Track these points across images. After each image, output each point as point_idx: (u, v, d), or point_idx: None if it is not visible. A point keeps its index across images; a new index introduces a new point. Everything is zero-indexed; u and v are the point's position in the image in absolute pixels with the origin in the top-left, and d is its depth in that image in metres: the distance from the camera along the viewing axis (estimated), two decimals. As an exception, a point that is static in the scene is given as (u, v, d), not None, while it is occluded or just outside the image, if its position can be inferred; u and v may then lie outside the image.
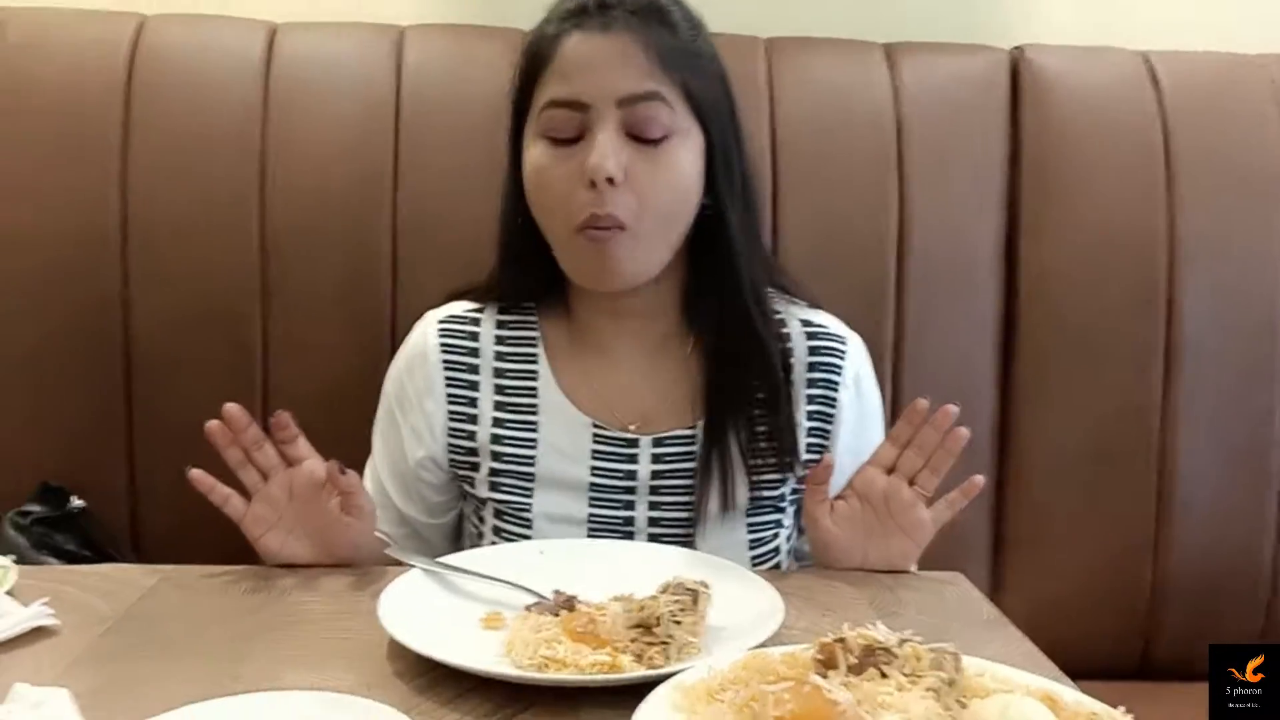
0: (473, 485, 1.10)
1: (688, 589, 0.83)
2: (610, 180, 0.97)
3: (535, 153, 1.01)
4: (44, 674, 0.75)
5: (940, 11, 1.58)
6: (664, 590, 0.83)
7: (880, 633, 0.70)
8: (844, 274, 1.41)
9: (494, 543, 1.08)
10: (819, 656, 0.70)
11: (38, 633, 0.81)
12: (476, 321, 1.11)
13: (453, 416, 1.09)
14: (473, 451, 1.09)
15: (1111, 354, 1.43)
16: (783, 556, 1.12)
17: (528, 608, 0.85)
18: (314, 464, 0.98)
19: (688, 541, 1.06)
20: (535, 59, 1.02)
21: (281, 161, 1.38)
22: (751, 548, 1.09)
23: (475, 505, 1.12)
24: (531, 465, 1.07)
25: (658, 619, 0.79)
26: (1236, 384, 1.44)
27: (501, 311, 1.11)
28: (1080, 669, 1.40)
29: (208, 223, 1.37)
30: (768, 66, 1.47)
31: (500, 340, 1.10)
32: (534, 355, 1.09)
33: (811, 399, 1.09)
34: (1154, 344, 1.43)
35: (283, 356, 1.38)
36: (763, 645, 0.78)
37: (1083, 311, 1.43)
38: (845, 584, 0.98)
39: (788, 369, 1.08)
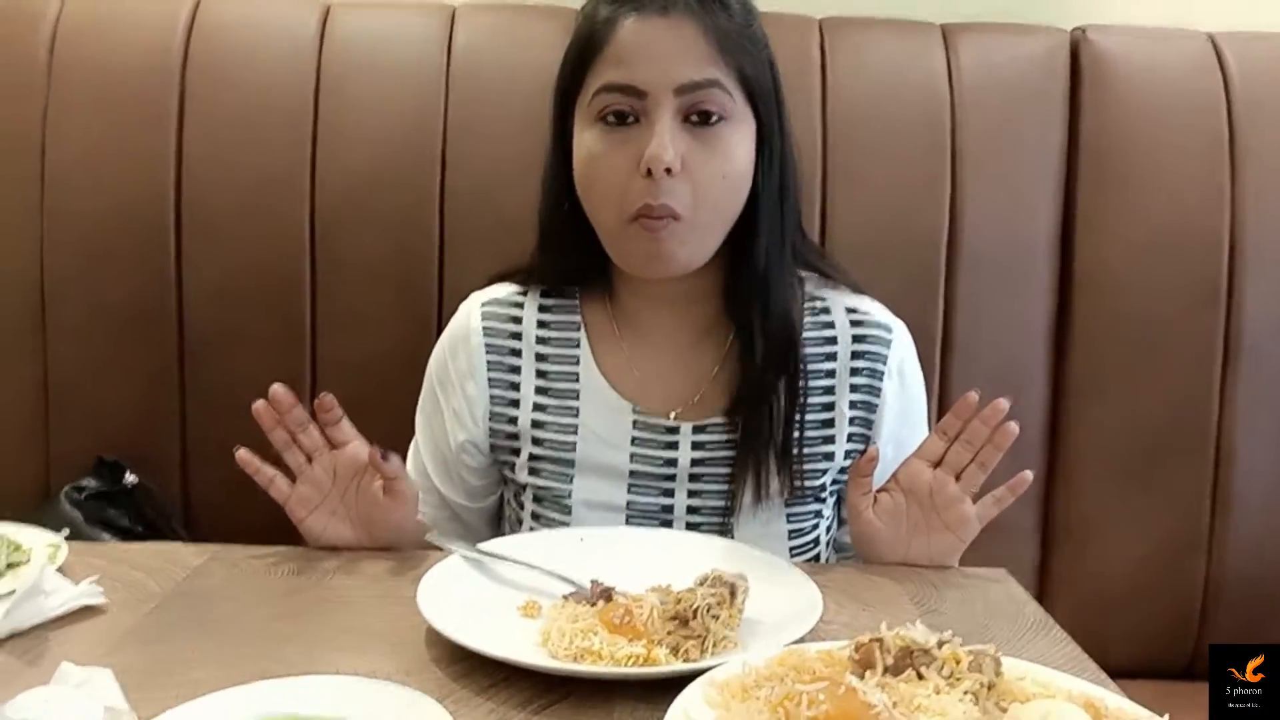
0: (513, 470, 1.10)
1: (725, 582, 0.82)
2: (668, 171, 0.96)
3: (588, 138, 1.00)
4: (92, 651, 0.77)
5: (1000, -10, 1.54)
6: (701, 583, 0.82)
7: (919, 633, 0.69)
8: (894, 260, 1.39)
9: (533, 528, 1.08)
10: (855, 656, 0.70)
11: (87, 610, 0.83)
12: (519, 305, 1.11)
13: (494, 400, 1.09)
14: (513, 436, 1.09)
15: (1168, 350, 1.40)
16: (822, 548, 1.11)
17: (565, 597, 0.86)
18: (358, 447, 0.98)
19: (725, 530, 1.06)
20: (589, 41, 1.00)
21: (332, 139, 1.40)
22: (791, 538, 1.08)
23: (515, 490, 1.12)
24: (572, 451, 1.07)
25: (694, 612, 0.79)
26: (1298, 380, 1.40)
27: (544, 295, 1.11)
28: (1128, 667, 1.41)
29: (260, 199, 1.39)
30: (821, 47, 1.44)
31: (543, 324, 1.10)
32: (576, 340, 1.09)
33: (855, 388, 1.08)
34: (1213, 341, 1.39)
35: (332, 331, 1.40)
36: (799, 641, 0.78)
37: (1140, 306, 1.40)
38: (887, 579, 0.97)
39: (832, 356, 1.07)
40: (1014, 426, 0.97)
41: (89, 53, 1.40)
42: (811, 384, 1.06)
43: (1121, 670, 1.36)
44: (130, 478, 1.34)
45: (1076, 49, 1.45)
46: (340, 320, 1.39)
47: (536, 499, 1.09)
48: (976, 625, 0.87)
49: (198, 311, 1.39)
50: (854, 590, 0.93)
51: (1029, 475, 0.98)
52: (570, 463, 1.07)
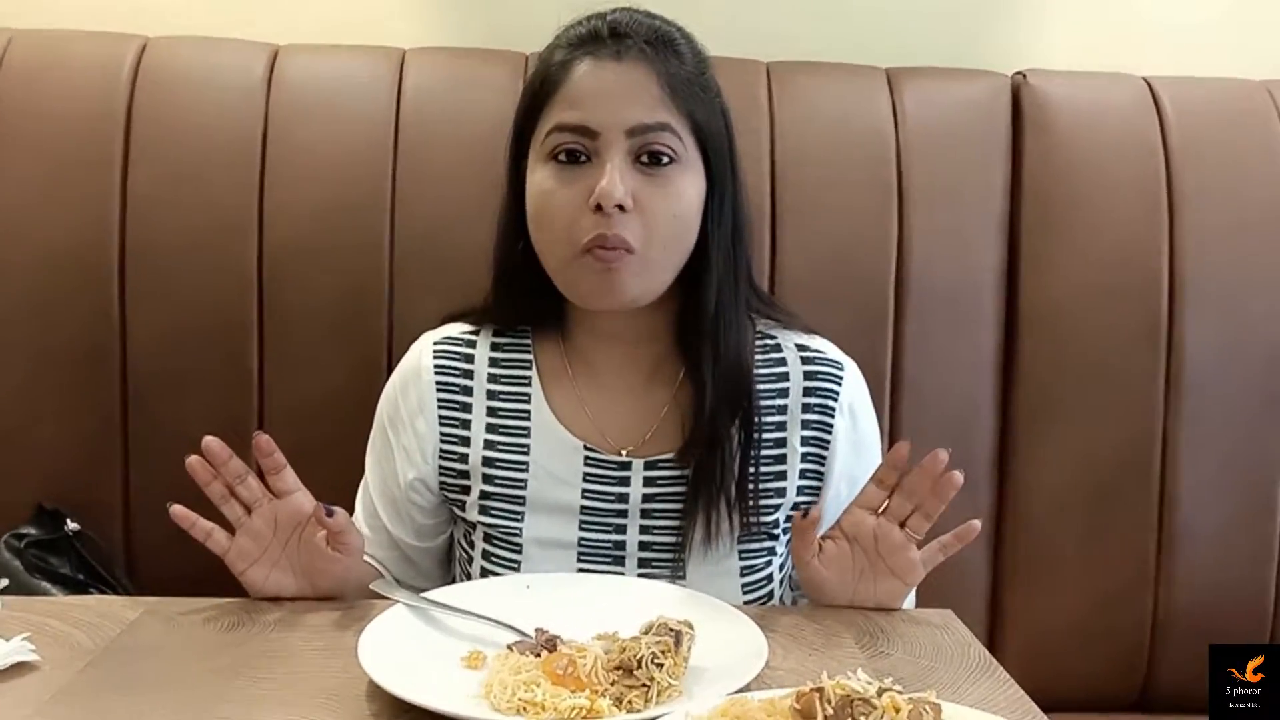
0: (463, 509, 1.10)
1: (670, 630, 0.82)
2: (620, 207, 0.97)
3: (540, 175, 1.02)
4: (24, 709, 0.75)
5: (943, 36, 1.57)
6: (647, 630, 0.82)
7: (858, 683, 0.69)
8: (842, 301, 1.40)
9: (484, 567, 1.08)
10: (796, 706, 0.69)
11: (18, 667, 0.81)
12: (471, 344, 1.11)
13: (445, 438, 1.09)
14: (464, 474, 1.08)
15: (1113, 387, 1.42)
16: (775, 585, 1.11)
17: (509, 646, 0.85)
18: (300, 498, 0.97)
19: (677, 567, 1.05)
20: (544, 84, 1.02)
21: (281, 183, 1.39)
22: (743, 574, 1.08)
23: (465, 530, 1.12)
24: (523, 488, 1.07)
25: (639, 661, 0.79)
26: (1239, 416, 1.42)
27: (496, 334, 1.12)
28: (1080, 701, 1.43)
29: (207, 243, 1.37)
30: (769, 90, 1.46)
31: (495, 363, 1.10)
32: (527, 378, 1.09)
33: (807, 424, 1.08)
34: (1156, 375, 1.41)
35: (280, 375, 1.39)
36: (744, 689, 0.77)
37: (1084, 344, 1.42)
38: (835, 622, 0.97)
39: (784, 393, 1.08)
40: (958, 477, 0.97)
41: (33, 95, 1.38)
42: (764, 420, 1.07)
43: (1072, 704, 1.40)
44: (71, 525, 1.31)
45: (1018, 93, 1.48)
46: (288, 364, 1.38)
47: (487, 538, 1.08)
48: (921, 669, 0.87)
49: (142, 356, 1.37)
50: (801, 634, 0.93)
51: (977, 525, 0.99)
52: (521, 499, 1.07)
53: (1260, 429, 1.43)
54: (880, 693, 0.69)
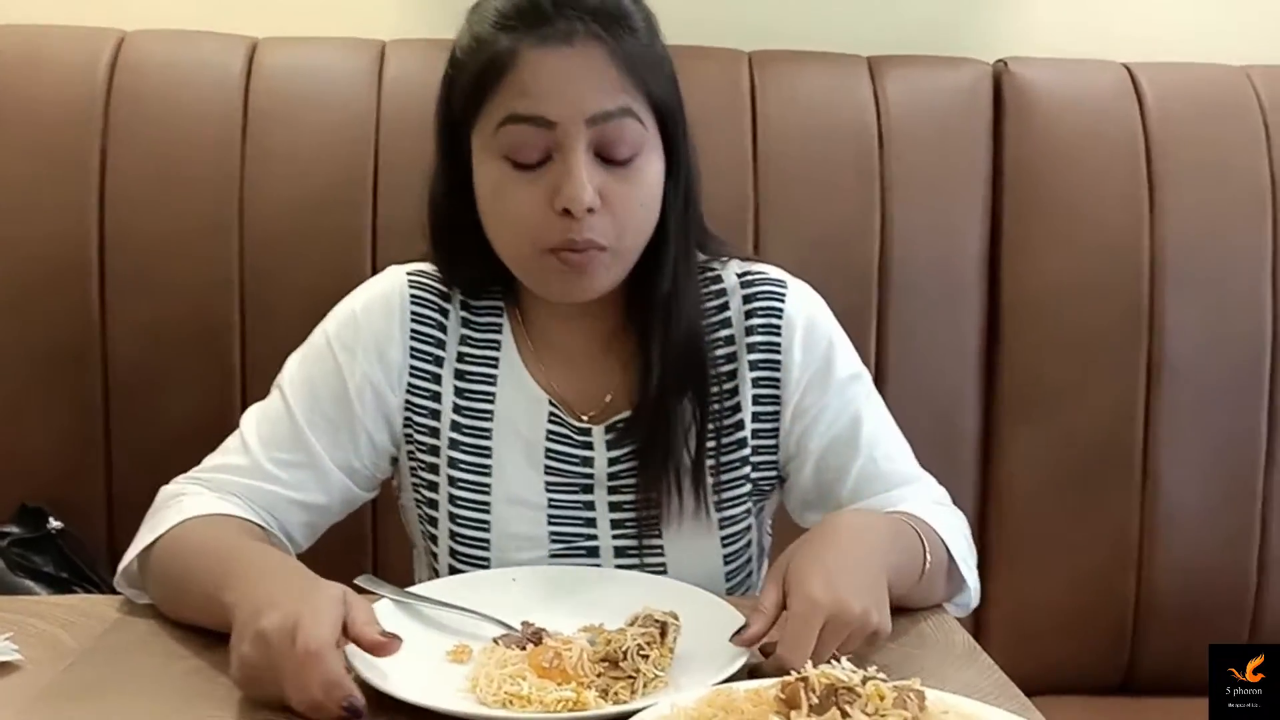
0: (432, 454, 1.04)
1: (656, 621, 0.82)
2: (589, 210, 0.93)
3: (493, 172, 0.96)
4: (5, 711, 0.75)
5: (924, 24, 1.58)
6: (632, 622, 0.82)
7: (843, 671, 0.69)
8: (826, 289, 1.35)
9: (452, 530, 1.04)
10: (782, 695, 0.70)
11: (1, 668, 0.81)
12: (446, 295, 1.06)
13: (415, 372, 1.03)
14: (434, 414, 1.03)
15: (1096, 372, 1.43)
16: (754, 540, 1.09)
17: (495, 640, 0.85)
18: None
19: (651, 530, 1.03)
20: (487, 70, 0.95)
21: (261, 176, 1.38)
22: (723, 529, 1.05)
23: (421, 501, 1.06)
24: (488, 438, 1.03)
25: (624, 653, 0.79)
26: (1222, 399, 1.44)
27: (464, 290, 1.07)
28: (1065, 684, 1.44)
29: (187, 239, 1.37)
30: (751, 80, 1.46)
31: (467, 307, 1.06)
32: (499, 325, 1.06)
33: (752, 348, 1.04)
34: (1138, 362, 1.42)
35: (263, 372, 1.35)
36: (731, 678, 0.77)
37: (1067, 328, 1.43)
38: (820, 610, 0.97)
39: (726, 323, 1.04)
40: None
41: (9, 90, 1.37)
42: (717, 371, 1.03)
43: (1057, 688, 1.40)
44: (54, 523, 1.31)
45: (999, 80, 1.48)
46: (271, 360, 1.34)
47: (453, 500, 1.04)
48: (907, 656, 0.88)
49: (123, 354, 1.36)
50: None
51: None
52: (488, 450, 1.03)
53: (1242, 413, 1.44)
54: (864, 681, 0.69)
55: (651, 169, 0.98)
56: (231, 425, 1.35)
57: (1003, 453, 1.44)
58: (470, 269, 1.05)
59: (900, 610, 0.95)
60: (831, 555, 0.86)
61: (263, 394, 1.35)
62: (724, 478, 1.05)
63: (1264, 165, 1.46)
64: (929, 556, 0.95)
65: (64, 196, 1.36)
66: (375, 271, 1.34)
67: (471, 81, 0.96)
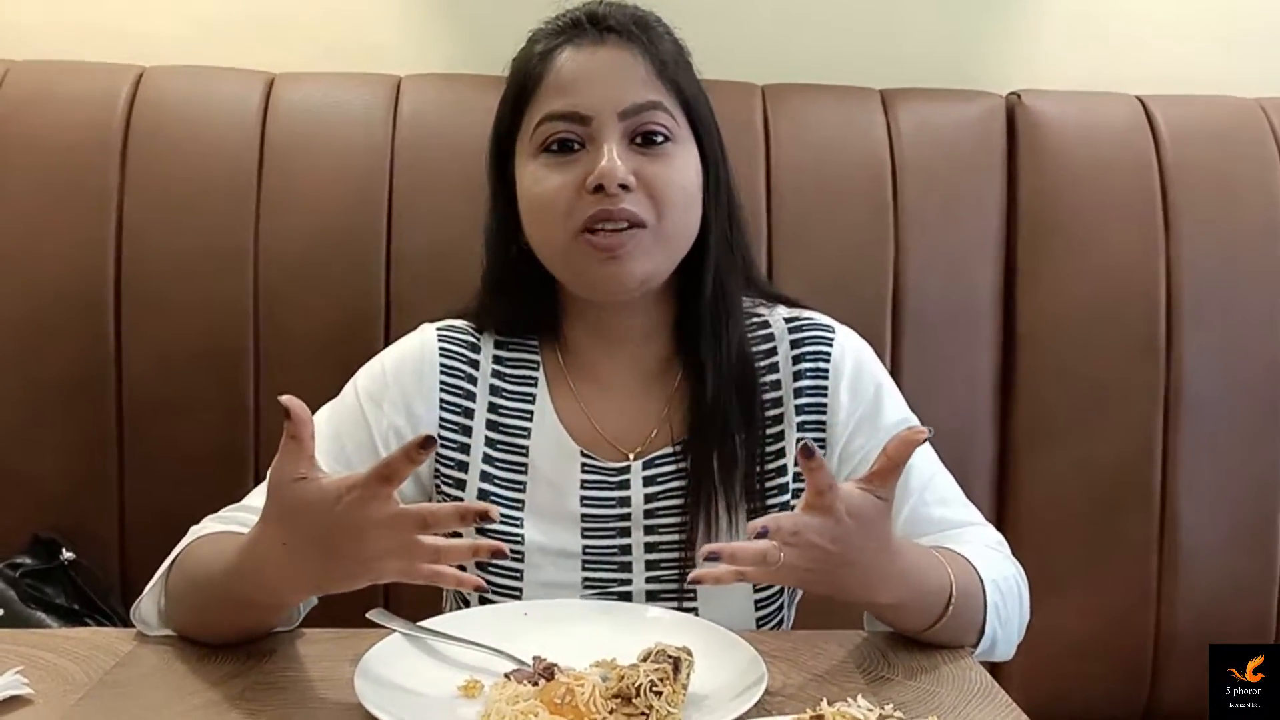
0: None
1: (669, 656, 0.81)
2: (623, 186, 0.95)
3: (532, 169, 0.99)
4: (15, 746, 0.74)
5: (937, 57, 1.58)
6: (645, 658, 0.81)
7: (859, 709, 0.69)
8: (839, 319, 1.38)
9: (485, 579, 1.04)
10: (797, 733, 0.69)
11: (11, 701, 0.80)
12: (475, 345, 1.07)
13: (445, 424, 1.04)
14: (462, 466, 1.04)
15: (1112, 403, 1.42)
16: (786, 596, 1.08)
17: (506, 675, 0.84)
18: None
19: (686, 570, 1.02)
20: (527, 78, 1.00)
21: (277, 209, 1.39)
22: (757, 587, 1.04)
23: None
24: (521, 491, 1.04)
25: (637, 689, 0.78)
26: (1239, 431, 1.43)
27: (499, 334, 1.08)
28: (1084, 718, 1.41)
29: (203, 272, 1.38)
30: (764, 113, 1.47)
31: (499, 361, 1.07)
32: (533, 379, 1.06)
33: (799, 392, 1.04)
34: (1155, 392, 1.42)
35: (277, 405, 1.37)
36: (744, 716, 0.77)
37: (1082, 359, 1.42)
38: (835, 645, 0.95)
39: (774, 368, 1.05)
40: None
41: (31, 126, 1.39)
42: (765, 411, 1.03)
43: (1080, 720, 1.39)
44: (66, 555, 1.31)
45: (1012, 112, 1.48)
46: (285, 391, 1.36)
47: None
48: (923, 693, 0.86)
49: (138, 385, 1.37)
50: (801, 659, 0.92)
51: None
52: (520, 504, 1.04)
53: (1260, 443, 1.43)
54: (881, 719, 0.68)
55: (687, 161, 1.00)
56: (245, 455, 1.37)
57: (1018, 484, 1.43)
58: (514, 305, 1.06)
59: (917, 647, 0.95)
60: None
61: (277, 422, 1.35)
62: (764, 504, 1.04)
63: (1278, 196, 1.46)
64: (954, 594, 0.92)
65: (82, 229, 1.37)
66: (388, 301, 1.38)
67: (513, 94, 1.02)
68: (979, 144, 1.47)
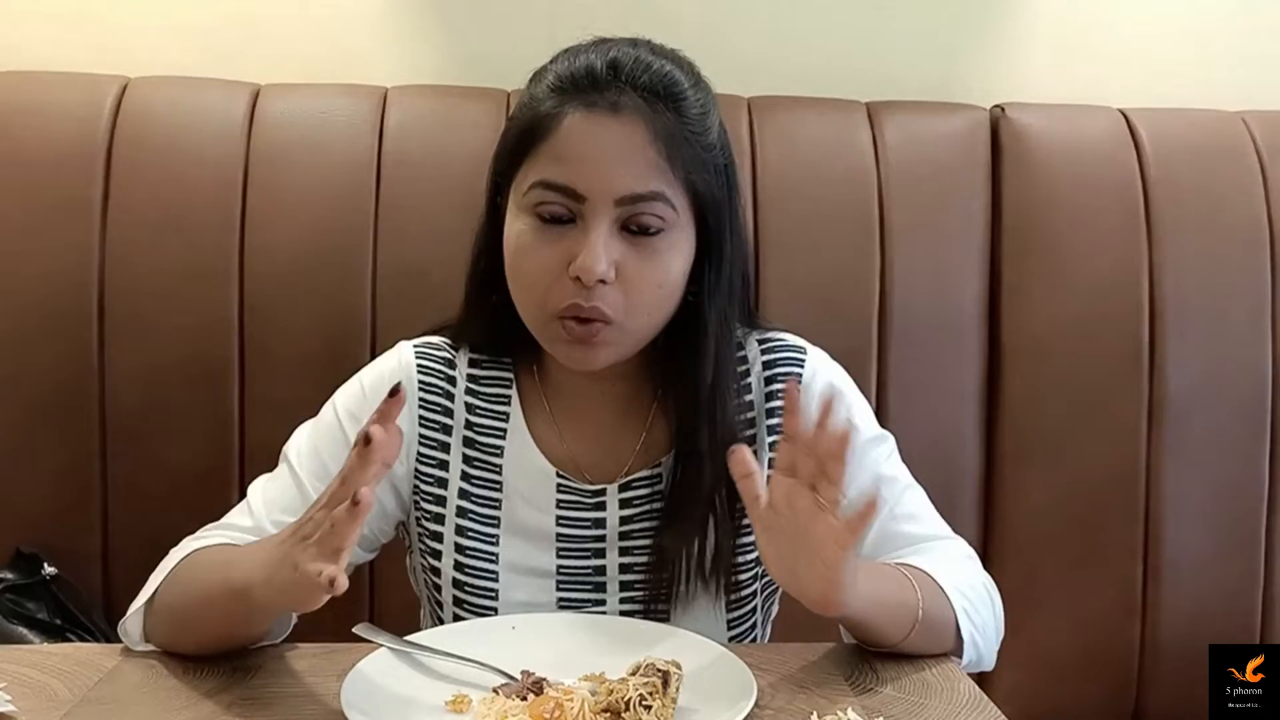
0: (439, 522, 1.05)
1: (658, 670, 0.81)
2: (601, 280, 0.94)
3: (519, 228, 0.97)
4: (-3, 764, 0.74)
5: (922, 70, 1.59)
6: (634, 671, 0.81)
7: (849, 722, 0.69)
8: (825, 334, 1.36)
9: (457, 596, 1.04)
10: (787, 747, 0.69)
11: (-7, 719, 0.80)
12: (451, 362, 1.07)
13: (424, 441, 1.05)
14: (441, 483, 1.05)
15: (1097, 416, 1.43)
16: (759, 612, 1.09)
17: (495, 689, 0.84)
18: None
19: (660, 593, 1.02)
20: (531, 130, 0.97)
21: (262, 222, 1.38)
22: (729, 609, 1.05)
23: (428, 565, 1.06)
24: (497, 508, 1.04)
25: (626, 703, 0.78)
26: (1224, 443, 1.44)
27: (474, 352, 1.08)
28: (1069, 731, 1.42)
29: (187, 284, 1.37)
30: (750, 126, 1.47)
31: (474, 379, 1.07)
32: (507, 397, 1.06)
33: (772, 413, 1.04)
34: (1139, 404, 1.42)
35: (261, 418, 1.37)
36: (734, 729, 0.76)
37: (1067, 372, 1.43)
38: (824, 659, 0.96)
39: (746, 389, 1.05)
40: (842, 431, 0.84)
41: (13, 137, 1.38)
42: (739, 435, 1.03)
43: (1062, 734, 1.39)
44: (49, 569, 1.30)
45: (996, 126, 1.49)
46: (270, 405, 1.37)
47: (459, 566, 1.04)
48: (912, 705, 0.86)
49: (121, 398, 1.35)
50: (790, 672, 0.92)
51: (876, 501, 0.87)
52: (496, 520, 1.04)
53: (1244, 455, 1.44)
54: (871, 732, 0.68)
55: (676, 254, 0.98)
56: (230, 470, 1.36)
57: (1004, 496, 1.44)
58: (492, 325, 1.05)
59: (905, 659, 0.95)
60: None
61: (262, 438, 1.36)
62: (737, 541, 1.04)
63: (1260, 208, 1.47)
64: (922, 602, 0.93)
65: (65, 241, 1.36)
66: (374, 316, 1.38)
67: (515, 138, 0.99)
68: (964, 157, 1.48)
